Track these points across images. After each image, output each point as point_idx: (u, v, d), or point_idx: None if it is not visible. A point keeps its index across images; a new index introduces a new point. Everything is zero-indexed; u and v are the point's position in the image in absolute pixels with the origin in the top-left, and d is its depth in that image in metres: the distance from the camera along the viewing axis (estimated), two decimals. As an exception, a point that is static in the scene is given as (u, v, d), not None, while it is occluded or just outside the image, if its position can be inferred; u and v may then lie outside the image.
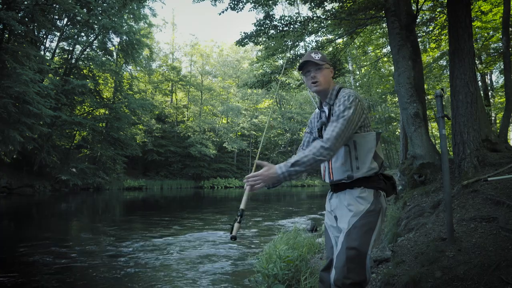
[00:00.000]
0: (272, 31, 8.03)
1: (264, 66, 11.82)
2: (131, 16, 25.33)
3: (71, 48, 23.76)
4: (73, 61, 23.73)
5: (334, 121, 1.76)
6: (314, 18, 8.00)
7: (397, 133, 24.12)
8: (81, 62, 24.38)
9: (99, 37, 24.27)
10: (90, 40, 24.04)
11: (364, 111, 1.82)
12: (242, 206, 1.76)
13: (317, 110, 2.08)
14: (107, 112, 25.83)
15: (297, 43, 9.64)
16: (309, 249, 4.49)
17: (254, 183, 1.71)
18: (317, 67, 1.90)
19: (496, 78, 21.59)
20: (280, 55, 10.29)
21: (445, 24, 9.95)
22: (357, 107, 1.78)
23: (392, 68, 13.84)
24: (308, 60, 1.90)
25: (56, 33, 22.30)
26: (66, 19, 22.24)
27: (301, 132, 40.36)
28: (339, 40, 11.09)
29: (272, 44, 9.47)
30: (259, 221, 9.89)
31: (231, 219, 1.99)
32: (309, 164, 1.70)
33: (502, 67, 11.27)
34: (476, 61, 11.59)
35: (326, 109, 1.94)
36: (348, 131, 1.74)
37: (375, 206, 1.79)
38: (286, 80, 11.41)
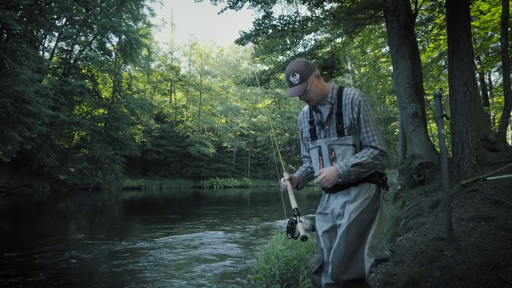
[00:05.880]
0: (270, 31, 8.02)
1: (265, 60, 11.71)
2: (130, 16, 25.28)
3: (69, 48, 23.73)
4: (72, 61, 23.69)
5: (365, 126, 1.80)
6: (313, 18, 7.99)
7: (396, 133, 24.14)
8: (79, 62, 24.33)
9: (98, 37, 24.23)
10: (89, 40, 23.99)
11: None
12: (295, 205, 1.79)
13: (305, 109, 2.05)
14: (106, 112, 25.78)
15: (296, 40, 9.62)
16: (308, 249, 4.48)
17: (327, 183, 1.74)
18: (303, 91, 1.81)
19: (495, 78, 21.62)
20: (279, 53, 10.27)
21: (443, 24, 9.95)
22: (371, 107, 1.85)
23: (391, 68, 13.84)
24: (293, 93, 1.83)
25: (54, 33, 22.27)
26: (64, 19, 22.20)
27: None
28: (338, 40, 11.09)
29: (272, 42, 9.45)
30: (258, 221, 9.88)
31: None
32: (368, 168, 1.76)
33: (501, 66, 11.29)
34: (475, 60, 11.60)
35: (323, 108, 1.90)
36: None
37: (375, 202, 1.81)
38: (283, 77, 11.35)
